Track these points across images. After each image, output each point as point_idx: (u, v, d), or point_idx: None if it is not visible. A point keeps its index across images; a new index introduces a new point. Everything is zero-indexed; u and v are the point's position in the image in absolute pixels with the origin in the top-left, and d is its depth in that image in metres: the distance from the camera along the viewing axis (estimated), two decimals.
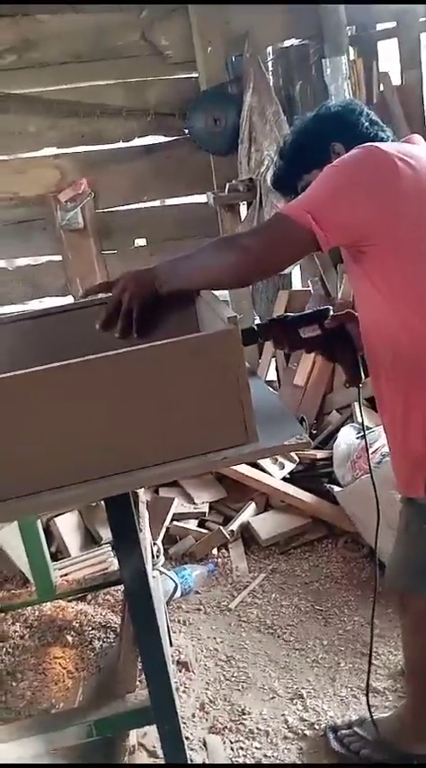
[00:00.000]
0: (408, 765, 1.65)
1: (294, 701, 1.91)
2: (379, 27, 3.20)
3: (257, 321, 2.95)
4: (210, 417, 1.09)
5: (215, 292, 1.34)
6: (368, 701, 1.63)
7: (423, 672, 1.63)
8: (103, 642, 2.13)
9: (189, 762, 1.44)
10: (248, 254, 1.25)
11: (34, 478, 1.07)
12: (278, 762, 1.73)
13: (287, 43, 3.15)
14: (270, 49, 3.12)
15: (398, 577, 1.57)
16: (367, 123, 1.43)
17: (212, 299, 1.30)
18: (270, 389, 1.48)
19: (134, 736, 1.75)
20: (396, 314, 1.29)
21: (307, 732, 1.81)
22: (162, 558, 2.53)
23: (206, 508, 2.74)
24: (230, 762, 1.74)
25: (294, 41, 3.14)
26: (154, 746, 1.75)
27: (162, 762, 1.58)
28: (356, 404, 2.88)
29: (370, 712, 1.62)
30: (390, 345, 1.32)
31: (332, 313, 1.46)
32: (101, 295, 1.43)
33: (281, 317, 1.49)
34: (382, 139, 1.42)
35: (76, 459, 1.07)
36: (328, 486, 2.66)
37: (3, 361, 1.33)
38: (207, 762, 1.75)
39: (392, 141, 1.43)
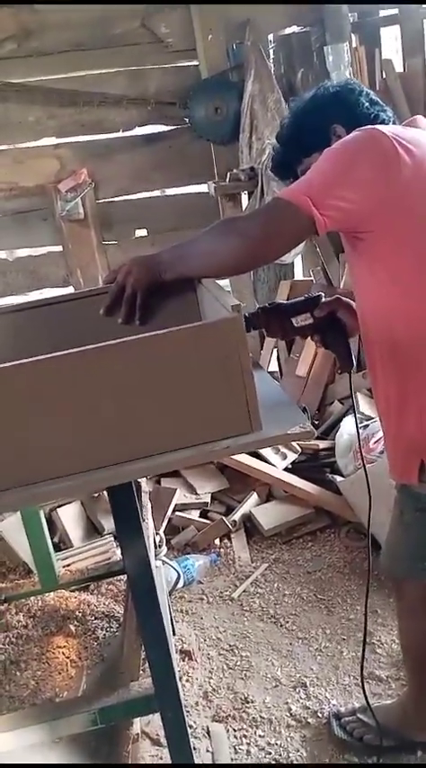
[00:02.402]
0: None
1: (297, 690, 1.92)
2: (381, 14, 3.17)
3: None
4: (214, 406, 1.08)
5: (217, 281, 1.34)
6: (363, 686, 1.63)
7: (420, 658, 1.63)
8: (106, 632, 2.14)
9: (192, 749, 1.45)
10: (248, 239, 1.24)
11: (36, 468, 1.06)
12: (282, 749, 1.74)
13: (288, 31, 3.12)
14: (271, 36, 3.09)
15: (393, 564, 1.58)
16: (367, 103, 1.40)
17: (214, 287, 1.30)
18: (273, 380, 1.48)
19: (138, 725, 1.75)
20: (393, 300, 1.29)
21: (311, 720, 1.81)
22: (164, 549, 2.54)
23: (208, 498, 2.74)
24: (234, 749, 1.75)
25: (295, 29, 3.11)
26: (157, 734, 1.76)
27: (165, 749, 1.59)
28: (358, 393, 2.88)
29: (367, 699, 1.62)
30: (387, 332, 1.31)
31: (323, 300, 1.46)
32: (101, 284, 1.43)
33: (273, 305, 1.48)
34: (383, 120, 1.39)
35: (79, 449, 1.07)
36: (330, 476, 2.66)
37: (5, 351, 1.33)
38: (210, 750, 1.75)
39: (393, 122, 1.41)
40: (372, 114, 1.39)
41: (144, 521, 1.52)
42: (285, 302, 1.49)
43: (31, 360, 1.03)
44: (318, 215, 1.20)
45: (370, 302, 1.35)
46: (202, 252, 1.30)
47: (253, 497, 2.72)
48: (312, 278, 3.22)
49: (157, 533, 2.53)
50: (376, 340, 1.36)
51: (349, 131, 1.31)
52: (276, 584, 2.37)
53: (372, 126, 1.29)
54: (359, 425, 2.64)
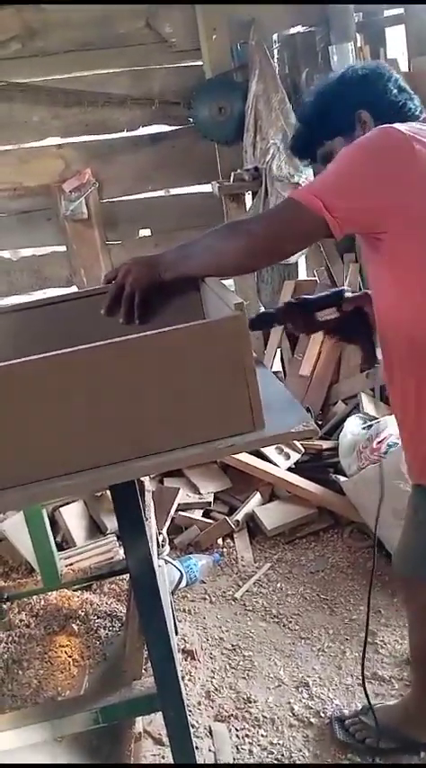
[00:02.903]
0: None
1: (299, 690, 1.92)
2: (386, 13, 3.17)
3: (263, 309, 2.93)
4: (217, 404, 1.08)
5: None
6: (364, 687, 1.63)
7: None
8: (109, 631, 2.14)
9: (195, 749, 1.44)
10: (254, 239, 1.23)
11: (38, 466, 1.06)
12: (284, 749, 1.73)
13: (293, 30, 3.12)
14: (275, 36, 3.09)
15: (405, 564, 1.57)
16: (395, 90, 1.35)
17: (218, 286, 1.29)
18: (276, 379, 1.48)
19: (140, 724, 1.75)
20: (412, 300, 1.28)
21: (313, 720, 1.81)
22: (167, 548, 2.54)
23: (211, 498, 2.74)
24: (236, 749, 1.75)
25: (300, 28, 3.11)
26: (159, 733, 1.76)
27: (167, 748, 1.59)
28: (362, 394, 2.88)
29: (368, 700, 1.62)
30: (405, 332, 1.30)
31: (349, 295, 1.45)
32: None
33: (299, 299, 1.47)
34: (410, 109, 1.36)
35: (81, 447, 1.07)
36: (334, 476, 2.66)
37: (6, 351, 1.33)
38: (213, 749, 1.75)
39: (420, 111, 1.38)
40: (399, 102, 1.35)
41: (147, 520, 1.52)
42: (311, 297, 1.48)
43: (32, 357, 1.03)
44: (330, 217, 1.19)
45: (388, 301, 1.33)
46: (206, 251, 1.30)
47: (256, 497, 2.71)
48: (316, 278, 3.22)
49: (160, 533, 2.53)
50: (393, 340, 1.35)
51: (375, 117, 1.28)
52: (279, 584, 2.37)
53: (388, 125, 1.26)
54: (364, 425, 2.64)
